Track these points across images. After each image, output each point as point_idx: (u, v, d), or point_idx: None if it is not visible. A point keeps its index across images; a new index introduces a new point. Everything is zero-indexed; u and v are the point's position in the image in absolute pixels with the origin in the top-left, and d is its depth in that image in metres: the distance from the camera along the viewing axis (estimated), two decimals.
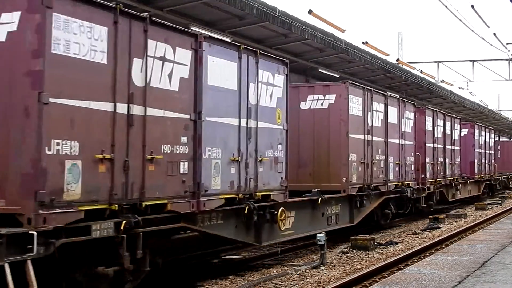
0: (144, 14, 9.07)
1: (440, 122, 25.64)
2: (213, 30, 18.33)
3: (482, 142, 33.30)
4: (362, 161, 16.41)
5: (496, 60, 39.66)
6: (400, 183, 19.33)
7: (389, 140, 18.52)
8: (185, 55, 9.69)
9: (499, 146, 47.82)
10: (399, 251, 15.13)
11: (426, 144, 23.26)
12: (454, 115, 29.47)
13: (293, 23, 19.54)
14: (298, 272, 12.17)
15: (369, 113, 17.09)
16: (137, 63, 8.68)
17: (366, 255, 14.54)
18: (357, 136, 16.32)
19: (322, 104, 15.84)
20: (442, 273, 9.35)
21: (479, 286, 8.38)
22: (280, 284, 11.15)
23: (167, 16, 16.69)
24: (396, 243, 16.58)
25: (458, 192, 27.89)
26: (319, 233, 13.15)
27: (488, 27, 29.66)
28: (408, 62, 37.65)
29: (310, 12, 21.28)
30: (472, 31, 28.94)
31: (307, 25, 20.45)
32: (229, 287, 10.97)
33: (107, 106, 8.18)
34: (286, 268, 12.70)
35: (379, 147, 17.75)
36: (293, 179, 14.24)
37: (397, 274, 9.82)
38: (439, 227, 20.34)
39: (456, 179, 27.22)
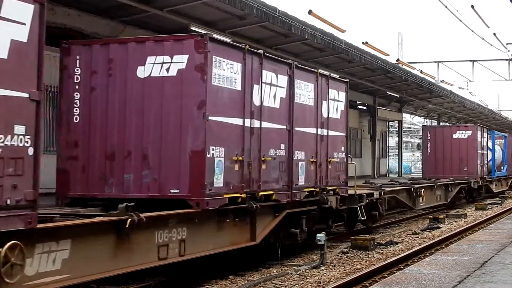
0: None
1: None
2: (213, 30, 18.35)
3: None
4: None
5: (496, 60, 39.76)
6: None
7: None
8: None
9: (428, 135, 31.11)
10: (399, 251, 15.13)
11: None
12: None
13: (293, 23, 19.55)
14: (298, 272, 12.17)
15: None
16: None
17: (366, 255, 14.55)
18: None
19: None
20: (442, 273, 9.35)
21: (479, 286, 8.38)
22: (280, 284, 11.16)
23: (167, 16, 16.71)
24: (396, 243, 16.59)
25: None
26: (319, 232, 13.18)
27: (488, 27, 29.73)
28: (408, 62, 37.74)
29: (310, 12, 21.30)
30: (472, 31, 29.01)
31: (307, 25, 20.46)
32: (229, 287, 10.97)
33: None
34: (286, 268, 12.71)
35: None
36: None
37: (397, 274, 9.82)
38: (439, 227, 20.33)
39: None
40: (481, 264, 10.16)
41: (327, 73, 14.83)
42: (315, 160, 13.73)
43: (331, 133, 14.61)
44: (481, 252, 11.58)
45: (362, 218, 16.79)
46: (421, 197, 23.05)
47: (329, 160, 14.43)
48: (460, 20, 26.45)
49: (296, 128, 12.91)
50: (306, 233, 13.73)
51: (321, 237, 12.92)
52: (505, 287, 8.36)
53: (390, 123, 44.14)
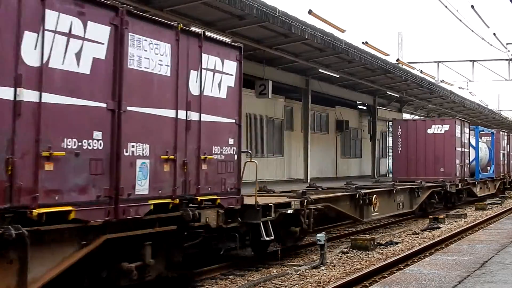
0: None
1: None
2: (213, 30, 18.35)
3: None
4: None
5: (496, 60, 39.77)
6: None
7: None
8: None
9: (399, 130, 26.71)
10: (399, 251, 15.13)
11: None
12: None
13: (293, 23, 19.55)
14: (298, 272, 12.16)
15: None
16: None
17: (366, 255, 14.55)
18: None
19: None
20: (442, 273, 9.34)
21: (479, 286, 8.37)
22: (280, 284, 11.15)
23: (167, 16, 16.71)
24: (396, 243, 16.59)
25: None
26: (319, 233, 13.17)
27: (488, 27, 29.77)
28: (408, 62, 37.78)
29: (310, 12, 21.31)
30: (472, 31, 29.04)
31: (307, 25, 20.47)
32: (229, 287, 10.97)
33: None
34: (286, 268, 12.70)
35: None
36: None
37: (397, 274, 9.81)
38: (439, 227, 20.33)
39: None
40: (481, 264, 10.15)
41: (199, 30, 10.35)
42: (172, 157, 9.34)
43: (208, 118, 10.27)
44: (481, 252, 11.58)
45: (267, 239, 12.06)
46: (372, 206, 17.78)
47: (203, 157, 10.09)
48: (460, 20, 26.51)
49: (131, 108, 8.59)
50: (161, 265, 9.59)
51: (321, 237, 12.92)
52: (505, 287, 8.35)
53: (390, 123, 44.11)
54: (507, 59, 38.55)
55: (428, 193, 23.59)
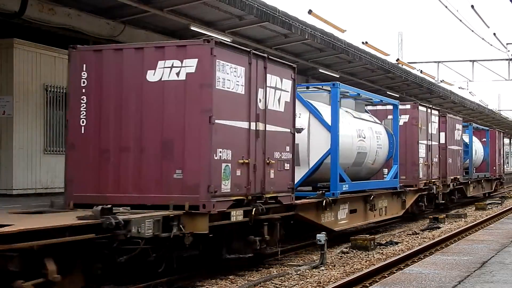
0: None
1: None
2: (213, 30, 18.35)
3: None
4: None
5: (496, 60, 39.79)
6: None
7: None
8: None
9: (84, 73, 10.34)
10: (399, 251, 15.13)
11: None
12: None
13: (293, 23, 19.56)
14: (298, 272, 12.17)
15: None
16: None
17: (366, 255, 14.55)
18: None
19: None
20: (442, 273, 9.35)
21: (479, 286, 8.38)
22: (280, 284, 11.16)
23: (167, 15, 16.70)
24: (396, 243, 16.59)
25: None
26: (319, 233, 13.16)
27: (488, 27, 29.78)
28: (408, 62, 37.77)
29: (310, 12, 21.31)
30: (472, 31, 29.04)
31: (307, 25, 20.48)
32: (229, 287, 10.97)
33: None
34: (286, 268, 12.71)
35: None
36: None
37: (397, 274, 9.82)
38: (439, 227, 20.34)
39: None
40: (481, 264, 10.15)
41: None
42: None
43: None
44: (481, 252, 11.58)
45: None
46: None
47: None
48: (460, 20, 26.51)
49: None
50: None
51: (321, 237, 12.92)
52: (505, 287, 8.36)
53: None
54: (507, 59, 38.57)
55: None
